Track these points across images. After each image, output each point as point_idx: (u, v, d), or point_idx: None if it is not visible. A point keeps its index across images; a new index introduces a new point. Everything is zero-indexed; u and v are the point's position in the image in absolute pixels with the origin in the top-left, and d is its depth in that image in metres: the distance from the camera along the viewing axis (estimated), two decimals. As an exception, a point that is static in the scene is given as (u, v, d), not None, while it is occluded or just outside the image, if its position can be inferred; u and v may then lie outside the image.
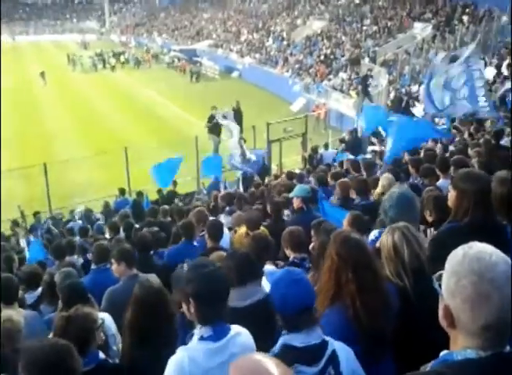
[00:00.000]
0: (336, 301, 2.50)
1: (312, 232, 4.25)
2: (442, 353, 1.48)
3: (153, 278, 4.25)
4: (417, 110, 17.52)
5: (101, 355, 2.98)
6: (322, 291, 2.57)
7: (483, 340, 1.35)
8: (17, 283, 4.58)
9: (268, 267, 3.99)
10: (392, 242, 2.72)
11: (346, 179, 6.90)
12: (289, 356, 2.08)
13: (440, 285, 1.44)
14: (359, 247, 2.57)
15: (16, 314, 3.57)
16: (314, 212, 5.75)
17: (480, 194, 3.01)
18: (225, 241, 5.57)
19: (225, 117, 15.50)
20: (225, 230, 5.88)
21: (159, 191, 13.20)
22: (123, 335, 3.15)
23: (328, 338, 2.21)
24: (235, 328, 2.37)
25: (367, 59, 25.93)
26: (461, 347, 1.39)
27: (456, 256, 1.40)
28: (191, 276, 2.32)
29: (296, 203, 5.96)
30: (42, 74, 35.71)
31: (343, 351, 2.20)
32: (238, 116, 17.56)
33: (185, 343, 2.38)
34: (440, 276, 1.45)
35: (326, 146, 15.71)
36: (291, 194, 6.17)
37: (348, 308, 2.43)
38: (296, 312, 2.16)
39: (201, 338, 2.27)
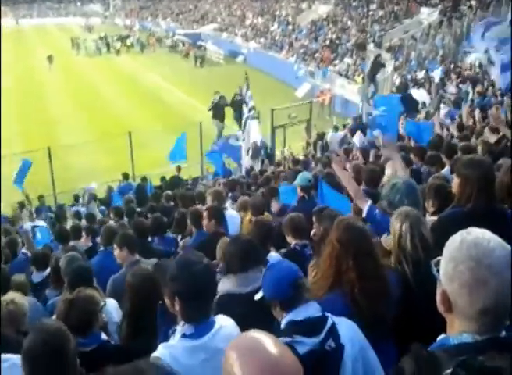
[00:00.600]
0: (336, 288, 2.51)
1: (314, 218, 4.25)
2: (440, 337, 1.50)
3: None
4: (420, 94, 17.40)
5: (104, 336, 3.02)
6: (322, 277, 2.59)
7: (480, 324, 1.37)
8: (9, 274, 4.67)
9: (273, 254, 3.99)
10: (399, 231, 2.74)
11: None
12: (291, 330, 2.14)
13: (438, 271, 1.45)
14: (361, 234, 2.57)
15: (20, 297, 3.60)
16: (315, 200, 5.73)
17: (483, 180, 3.02)
18: (235, 226, 5.57)
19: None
20: (235, 214, 5.90)
21: (162, 178, 13.23)
22: (121, 324, 3.17)
23: (328, 314, 2.23)
24: (220, 320, 2.33)
25: (372, 45, 25.69)
26: (458, 331, 1.41)
27: (454, 242, 1.41)
28: (177, 273, 2.25)
29: (298, 191, 5.97)
30: (49, 58, 35.44)
31: (345, 325, 2.21)
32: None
33: (167, 337, 2.35)
34: (438, 261, 1.46)
35: (336, 128, 15.64)
36: (294, 183, 6.17)
37: (347, 294, 2.45)
38: (290, 291, 2.18)
39: (183, 336, 2.22)
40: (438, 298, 1.45)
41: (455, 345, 1.39)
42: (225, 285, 2.89)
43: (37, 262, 5.56)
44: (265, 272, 2.36)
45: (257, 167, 12.97)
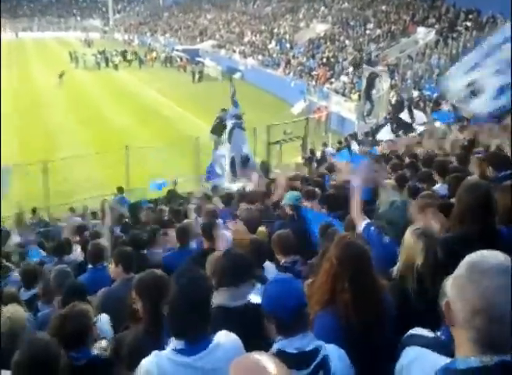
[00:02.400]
0: (330, 305, 2.48)
1: (319, 233, 4.27)
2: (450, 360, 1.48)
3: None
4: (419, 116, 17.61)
5: (94, 351, 3.00)
6: (317, 293, 2.56)
7: (476, 331, 1.34)
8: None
9: (268, 265, 3.99)
10: (415, 245, 2.76)
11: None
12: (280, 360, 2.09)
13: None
14: (360, 254, 2.53)
15: (18, 311, 3.58)
16: (304, 219, 5.65)
17: (478, 203, 3.00)
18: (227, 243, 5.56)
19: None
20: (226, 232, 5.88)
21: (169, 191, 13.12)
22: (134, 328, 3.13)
23: (320, 343, 2.17)
24: (219, 338, 2.24)
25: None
26: (464, 354, 1.39)
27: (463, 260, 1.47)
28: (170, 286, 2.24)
29: (287, 210, 5.87)
30: (61, 74, 35.12)
31: (336, 356, 2.17)
32: None
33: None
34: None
35: (340, 143, 15.79)
36: (283, 202, 6.05)
37: (341, 316, 2.41)
38: (292, 313, 2.10)
39: (174, 349, 2.17)
40: (443, 311, 1.48)
41: (462, 371, 1.37)
42: (216, 299, 2.88)
43: (25, 279, 5.43)
44: (271, 283, 2.27)
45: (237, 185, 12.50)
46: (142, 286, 3.01)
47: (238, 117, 13.63)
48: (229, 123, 13.63)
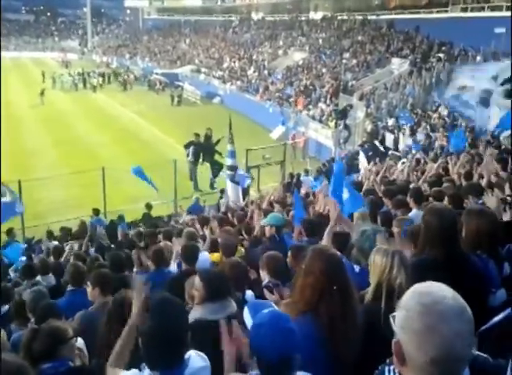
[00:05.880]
0: (309, 312, 2.49)
1: (290, 254, 4.30)
2: None
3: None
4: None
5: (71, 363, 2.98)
6: (298, 302, 2.56)
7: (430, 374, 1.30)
8: None
9: (248, 293, 3.98)
10: (390, 264, 2.76)
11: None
12: None
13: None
14: (341, 266, 2.59)
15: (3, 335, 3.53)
16: (285, 241, 5.66)
17: (443, 228, 3.05)
18: (206, 263, 5.55)
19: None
20: (205, 254, 5.87)
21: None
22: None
23: None
24: (192, 363, 2.18)
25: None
26: None
27: (408, 293, 1.40)
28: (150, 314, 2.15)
29: (268, 231, 5.91)
30: (42, 92, 35.45)
31: None
32: (209, 144, 17.64)
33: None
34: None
35: (307, 172, 15.99)
36: (264, 222, 6.09)
37: (322, 320, 2.43)
38: (275, 362, 2.02)
39: None
40: (393, 351, 1.39)
41: None
42: (193, 314, 2.93)
43: None
44: (265, 319, 2.11)
45: None
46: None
47: (231, 169, 14.28)
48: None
